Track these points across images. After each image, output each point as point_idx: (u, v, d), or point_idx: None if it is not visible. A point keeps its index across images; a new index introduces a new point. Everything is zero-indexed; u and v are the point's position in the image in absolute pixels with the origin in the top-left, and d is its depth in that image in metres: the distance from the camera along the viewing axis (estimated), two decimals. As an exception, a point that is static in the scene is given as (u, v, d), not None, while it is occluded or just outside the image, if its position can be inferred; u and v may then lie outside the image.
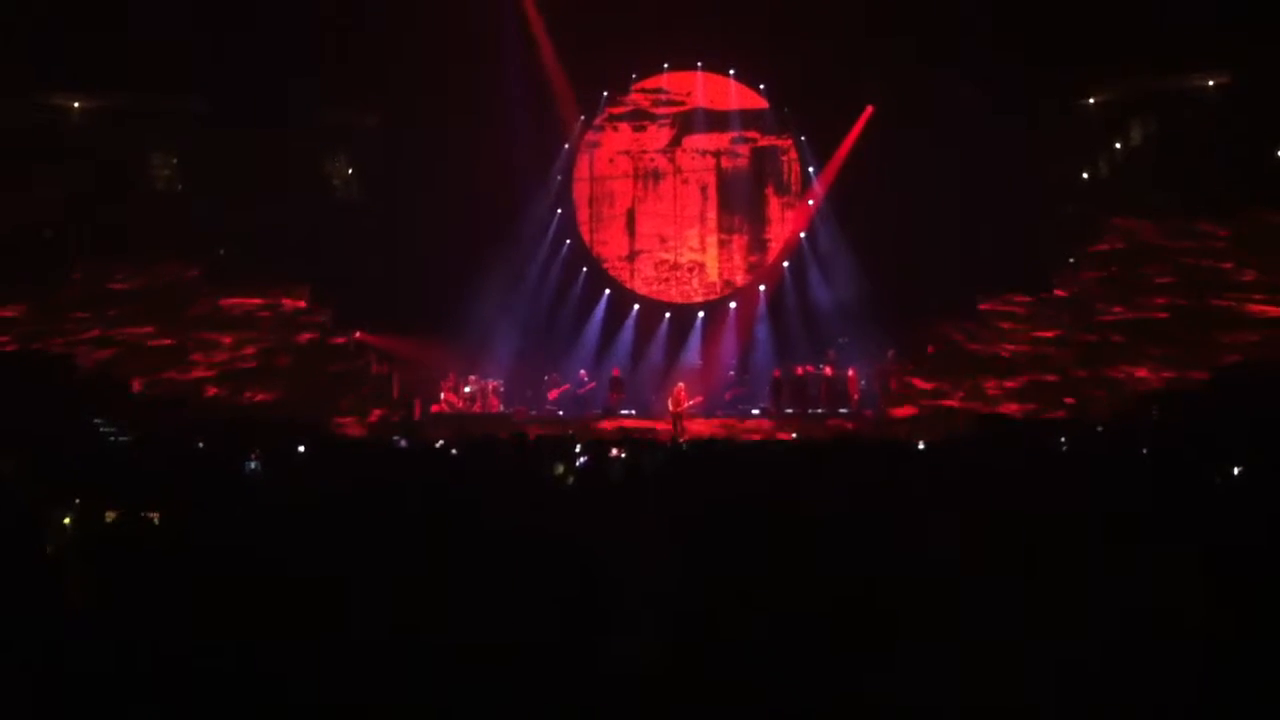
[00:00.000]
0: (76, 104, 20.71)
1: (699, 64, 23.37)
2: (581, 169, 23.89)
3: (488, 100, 20.69)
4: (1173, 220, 20.15)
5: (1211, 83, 20.14)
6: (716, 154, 23.58)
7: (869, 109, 22.08)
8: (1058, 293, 20.68)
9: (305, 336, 20.76)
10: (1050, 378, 19.61)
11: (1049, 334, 20.23)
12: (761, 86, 23.26)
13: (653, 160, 23.74)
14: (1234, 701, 2.64)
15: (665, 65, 23.43)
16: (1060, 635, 2.85)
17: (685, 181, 23.66)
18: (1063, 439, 11.64)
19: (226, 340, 20.21)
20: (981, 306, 20.74)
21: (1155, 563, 3.15)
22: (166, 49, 18.80)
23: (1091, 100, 21.59)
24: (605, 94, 23.47)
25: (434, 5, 19.53)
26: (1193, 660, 2.73)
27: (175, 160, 21.55)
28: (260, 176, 20.53)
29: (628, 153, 23.79)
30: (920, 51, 19.45)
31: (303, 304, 21.00)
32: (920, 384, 20.29)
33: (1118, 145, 21.40)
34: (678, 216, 23.61)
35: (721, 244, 23.52)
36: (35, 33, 18.64)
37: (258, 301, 20.79)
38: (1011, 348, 20.28)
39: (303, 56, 19.39)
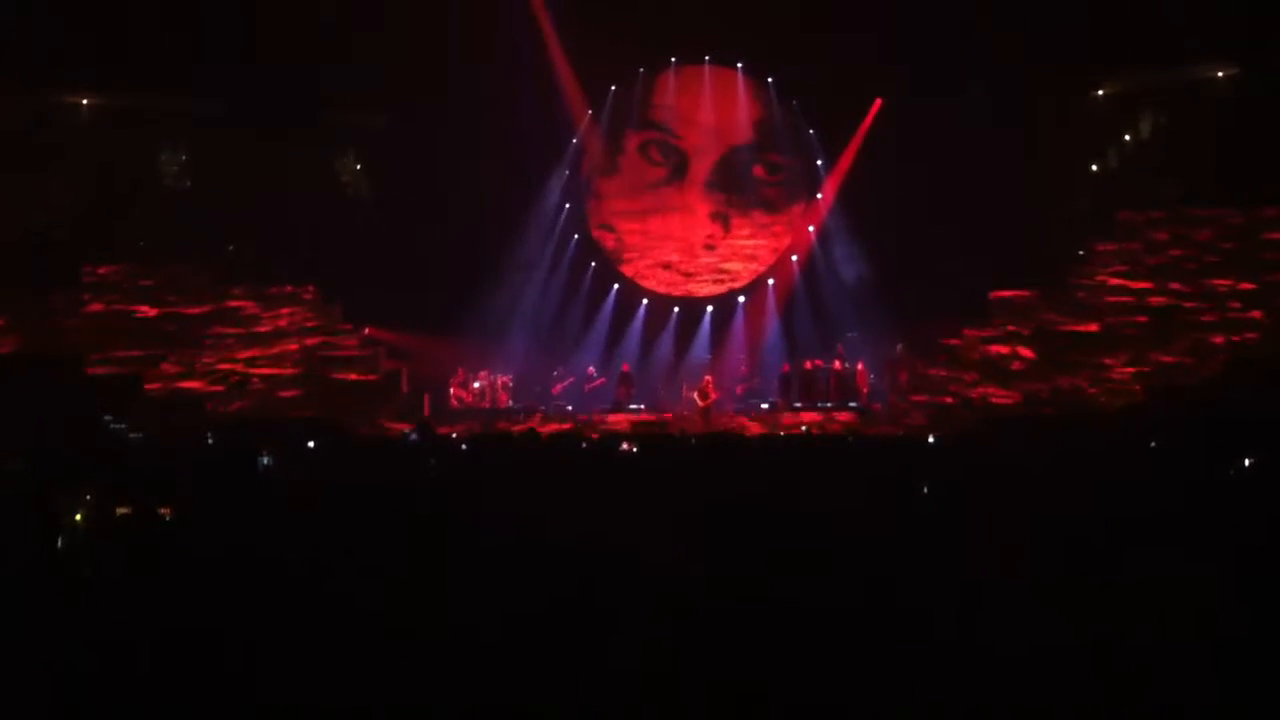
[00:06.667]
0: (84, 102, 20.72)
1: (706, 59, 23.31)
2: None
3: (495, 95, 20.70)
4: (1182, 213, 20.07)
5: (1221, 75, 20.05)
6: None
7: (878, 102, 22.04)
8: (1068, 285, 20.60)
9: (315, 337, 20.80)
10: (1060, 372, 19.55)
11: (1059, 328, 20.16)
12: (769, 80, 23.18)
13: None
14: (1246, 702, 2.64)
15: (673, 60, 23.35)
16: (1069, 634, 2.85)
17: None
18: (1072, 434, 11.61)
19: (236, 338, 20.26)
20: (992, 299, 20.68)
21: (1164, 560, 3.16)
22: (175, 49, 18.82)
23: (1100, 93, 21.50)
24: (614, 87, 23.34)
25: (440, 2, 19.53)
26: (1205, 660, 2.73)
27: (184, 159, 21.57)
28: (269, 175, 20.55)
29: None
30: (930, 45, 19.40)
31: (311, 300, 21.03)
32: (929, 378, 20.25)
33: (1127, 138, 21.32)
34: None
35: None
36: (40, 31, 18.66)
37: (268, 298, 20.84)
38: (1021, 342, 20.21)
39: (310, 55, 19.42)
